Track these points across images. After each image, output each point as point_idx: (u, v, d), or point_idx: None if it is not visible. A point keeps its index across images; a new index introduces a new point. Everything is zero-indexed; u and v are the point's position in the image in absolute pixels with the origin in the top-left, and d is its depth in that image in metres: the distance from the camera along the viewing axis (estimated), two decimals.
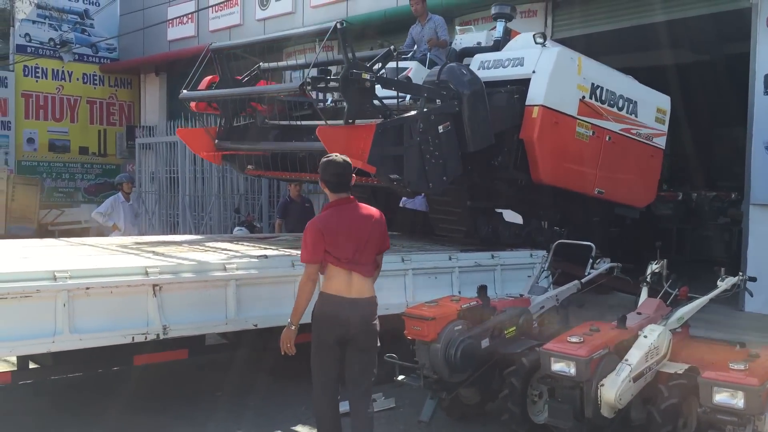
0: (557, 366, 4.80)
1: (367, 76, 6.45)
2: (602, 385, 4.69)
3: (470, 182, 7.85)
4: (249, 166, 8.23)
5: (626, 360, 4.77)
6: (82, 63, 19.18)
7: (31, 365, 5.62)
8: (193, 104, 8.16)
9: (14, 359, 5.68)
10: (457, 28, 9.13)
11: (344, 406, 6.01)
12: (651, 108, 8.78)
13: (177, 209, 14.94)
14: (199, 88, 7.90)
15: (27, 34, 18.40)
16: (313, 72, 6.64)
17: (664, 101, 9.04)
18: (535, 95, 7.62)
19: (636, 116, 8.56)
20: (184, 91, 7.96)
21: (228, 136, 8.05)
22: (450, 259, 7.31)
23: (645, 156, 8.85)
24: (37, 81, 18.37)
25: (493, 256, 7.66)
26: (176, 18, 17.63)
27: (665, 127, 9.02)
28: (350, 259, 4.52)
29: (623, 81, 8.62)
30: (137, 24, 18.56)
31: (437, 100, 7.11)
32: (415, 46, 8.77)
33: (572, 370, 4.72)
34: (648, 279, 5.94)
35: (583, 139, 8.02)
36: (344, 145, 6.17)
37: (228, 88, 7.72)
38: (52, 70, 18.66)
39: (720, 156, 17.68)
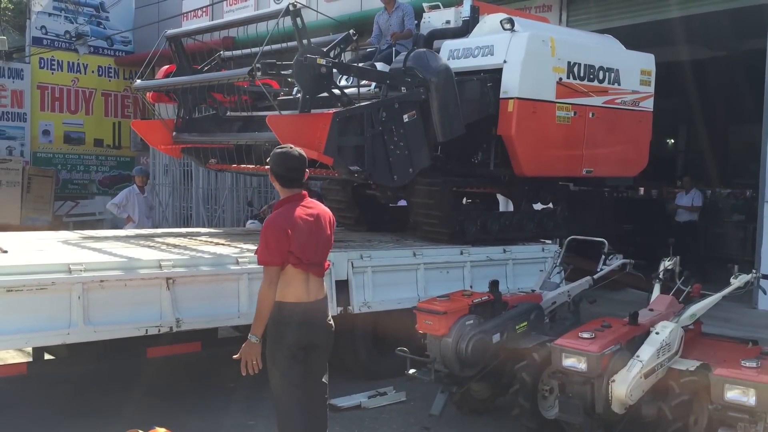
0: (568, 361, 4.81)
1: (322, 61, 6.14)
2: (613, 380, 4.69)
3: (452, 183, 7.60)
4: (212, 160, 7.83)
5: (637, 356, 4.77)
6: (97, 56, 19.28)
7: (47, 357, 5.69)
8: (149, 95, 7.83)
9: (30, 350, 5.75)
10: (425, 5, 8.65)
11: (344, 401, 6.09)
12: (634, 72, 8.34)
13: (190, 202, 15.02)
14: (156, 78, 7.64)
15: (43, 27, 18.51)
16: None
17: (647, 61, 8.56)
18: (509, 87, 7.26)
19: (619, 84, 8.15)
20: (138, 81, 7.69)
21: (187, 129, 7.67)
22: (462, 253, 7.32)
23: (633, 123, 8.44)
24: (52, 73, 18.48)
25: (504, 251, 7.66)
26: (191, 11, 17.69)
27: (651, 88, 8.55)
28: (312, 261, 4.20)
29: (602, 50, 8.22)
30: (152, 17, 18.61)
31: (402, 88, 6.79)
32: (383, 37, 8.38)
33: (583, 366, 4.72)
34: (660, 276, 5.92)
35: (565, 122, 7.67)
36: (298, 134, 5.93)
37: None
38: (68, 62, 18.76)
39: (735, 152, 17.57)
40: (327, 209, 4.46)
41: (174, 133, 7.71)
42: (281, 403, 4.28)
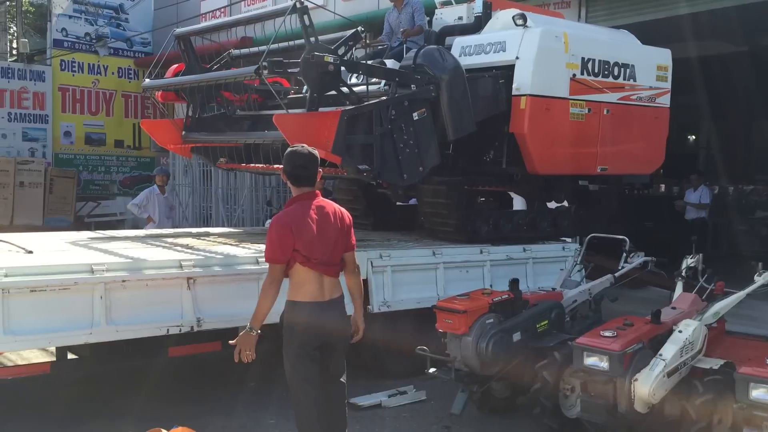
0: (590, 360, 4.78)
1: (330, 58, 6.05)
2: (636, 380, 4.65)
3: (463, 182, 7.52)
4: (222, 159, 7.79)
5: (660, 355, 4.72)
6: (117, 57, 19.41)
7: (70, 356, 5.74)
8: (158, 94, 7.78)
9: (53, 350, 5.81)
10: (437, 1, 8.51)
11: (363, 400, 6.08)
12: (650, 67, 8.19)
13: (210, 202, 15.10)
14: (165, 78, 7.60)
15: (64, 29, 18.67)
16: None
17: (664, 56, 8.41)
18: (522, 84, 7.15)
19: (634, 80, 8.02)
20: (147, 80, 7.66)
21: (197, 128, 7.63)
22: (481, 252, 7.30)
23: (649, 119, 8.30)
24: (73, 75, 18.63)
25: (524, 250, 7.63)
26: (209, 12, 17.76)
27: (668, 84, 8.40)
28: (320, 260, 4.20)
29: (617, 45, 8.12)
30: (171, 18, 18.70)
31: (412, 86, 6.72)
32: (394, 35, 8.26)
33: (605, 365, 4.69)
34: (683, 273, 5.87)
35: (579, 120, 7.54)
36: (306, 133, 5.86)
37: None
38: (88, 64, 18.91)
39: (758, 149, 17.36)
40: (341, 208, 4.44)
41: (183, 133, 7.68)
42: (298, 402, 4.30)
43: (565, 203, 8.51)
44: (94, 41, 18.89)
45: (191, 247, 6.49)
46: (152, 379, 6.08)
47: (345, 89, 6.40)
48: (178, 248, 6.40)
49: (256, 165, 7.36)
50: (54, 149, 18.18)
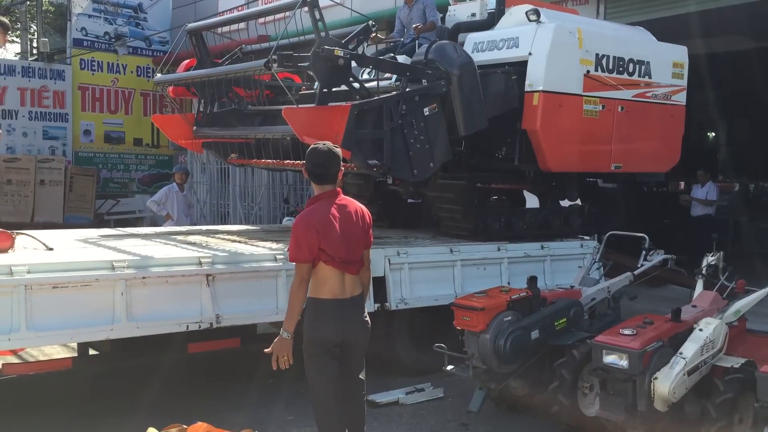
0: (609, 358, 4.75)
1: (340, 52, 6.00)
2: (656, 378, 4.62)
3: (475, 179, 7.47)
4: (232, 155, 7.78)
5: (681, 353, 4.69)
6: (135, 56, 19.53)
7: (91, 352, 5.80)
8: (170, 89, 7.76)
9: (75, 346, 5.87)
10: None
11: (382, 397, 6.08)
12: (666, 64, 8.10)
13: (227, 199, 15.18)
14: (177, 73, 7.58)
15: (83, 28, 18.82)
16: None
17: (680, 53, 8.30)
18: (534, 80, 7.08)
19: (650, 77, 7.91)
20: (159, 74, 7.64)
21: (208, 123, 7.59)
22: (499, 249, 7.29)
23: (664, 117, 8.18)
24: (93, 74, 18.78)
25: (542, 247, 7.60)
26: (227, 10, 17.83)
27: (684, 81, 8.29)
28: (343, 258, 4.20)
29: (632, 41, 7.99)
30: (189, 17, 18.76)
31: (423, 81, 6.65)
32: (405, 31, 8.22)
33: (625, 363, 4.66)
34: (704, 271, 5.82)
35: (593, 116, 7.46)
36: (315, 127, 5.86)
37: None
38: (108, 63, 19.05)
39: None
40: (361, 206, 4.44)
41: (194, 128, 7.66)
42: (318, 398, 4.32)
43: (578, 201, 8.44)
44: (113, 40, 19.02)
45: (210, 245, 6.53)
46: (171, 374, 6.13)
47: (355, 84, 6.34)
48: (197, 245, 6.45)
49: (267, 161, 7.36)
50: (74, 147, 18.35)
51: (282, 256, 5.89)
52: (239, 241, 6.86)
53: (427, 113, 6.58)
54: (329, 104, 6.27)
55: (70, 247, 6.11)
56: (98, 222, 15.83)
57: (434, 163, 6.70)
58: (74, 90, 18.46)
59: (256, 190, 14.55)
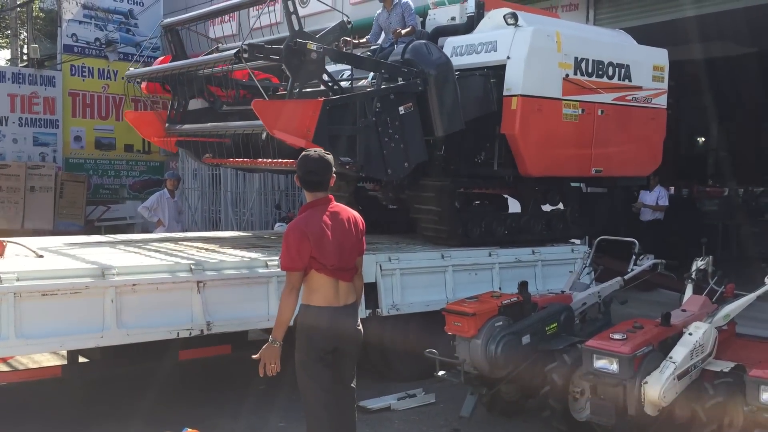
0: (600, 363, 4.77)
1: (313, 46, 5.90)
2: (646, 382, 4.64)
3: (454, 183, 7.35)
4: (207, 155, 7.61)
5: (670, 357, 4.71)
6: (126, 62, 19.43)
7: (81, 359, 5.77)
8: (144, 85, 7.60)
9: (64, 353, 5.84)
10: (430, 2, 8.40)
11: (372, 403, 6.06)
12: (646, 67, 8.06)
13: (219, 205, 15.16)
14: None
15: (74, 35, 18.76)
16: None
17: (660, 56, 8.27)
18: (513, 84, 7.03)
19: (629, 80, 7.87)
20: (131, 68, 7.52)
21: (181, 121, 7.44)
22: (490, 255, 7.30)
23: (645, 121, 8.14)
24: (83, 80, 18.72)
25: (533, 252, 7.63)
26: (218, 17, 17.79)
27: (665, 85, 8.26)
28: (336, 266, 4.17)
29: (611, 45, 7.98)
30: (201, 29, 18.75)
31: (399, 79, 6.58)
32: (383, 35, 8.10)
33: (615, 367, 4.68)
34: (693, 276, 5.85)
35: (572, 120, 7.39)
36: (286, 121, 5.77)
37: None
38: (98, 69, 18.97)
39: None
40: (355, 213, 4.41)
41: (167, 125, 7.53)
42: (309, 406, 4.29)
43: (560, 206, 8.39)
44: (104, 46, 18.97)
45: (201, 251, 6.52)
46: (161, 381, 6.11)
47: (329, 80, 6.22)
48: (188, 252, 6.44)
49: (243, 160, 7.23)
50: (64, 154, 18.26)
51: (273, 263, 5.88)
52: (230, 248, 6.85)
53: (403, 112, 6.52)
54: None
55: (59, 254, 6.08)
56: (89, 228, 15.76)
57: (409, 163, 6.64)
58: (65, 96, 18.38)
59: (248, 195, 14.54)
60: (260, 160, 6.95)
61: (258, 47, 5.92)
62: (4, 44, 21.64)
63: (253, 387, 6.44)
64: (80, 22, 18.86)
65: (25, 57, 20.31)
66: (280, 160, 6.77)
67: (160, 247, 6.78)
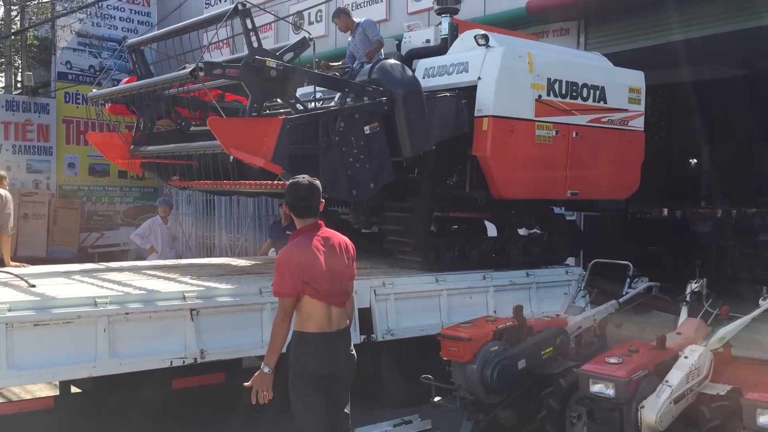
0: (596, 387, 4.74)
1: (272, 63, 5.80)
2: (642, 406, 4.61)
3: (426, 206, 7.23)
4: (174, 177, 7.46)
5: (667, 381, 4.69)
6: None
7: (73, 389, 5.71)
8: (108, 107, 7.48)
9: (57, 384, 5.78)
10: (405, 25, 8.41)
11: (368, 430, 6.02)
12: (622, 89, 7.95)
13: (213, 231, 15.12)
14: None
15: (68, 62, 18.84)
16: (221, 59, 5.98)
17: (636, 79, 8.17)
18: (484, 105, 6.91)
19: (605, 102, 7.75)
20: (94, 90, 7.40)
21: (146, 143, 7.32)
22: (484, 278, 7.29)
23: (622, 143, 8.04)
24: (77, 107, 18.76)
25: (528, 275, 7.61)
26: (212, 44, 17.87)
27: (641, 107, 8.15)
28: (328, 291, 4.18)
29: (585, 66, 7.87)
30: (172, 50, 18.83)
31: (365, 98, 6.48)
32: (356, 61, 8.05)
33: (611, 392, 4.66)
34: (687, 298, 5.84)
35: (546, 142, 7.28)
36: (244, 140, 5.66)
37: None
38: None
39: (761, 171, 17.37)
40: (345, 238, 4.42)
41: (132, 147, 7.40)
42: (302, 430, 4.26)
43: (537, 230, 8.26)
44: (98, 73, 19.04)
45: (194, 278, 6.49)
46: (156, 411, 6.05)
47: (290, 99, 6.14)
48: (181, 279, 6.41)
49: (207, 182, 7.11)
50: (58, 181, 18.25)
51: (267, 290, 5.85)
52: (224, 274, 6.82)
53: (368, 132, 6.39)
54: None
55: (52, 283, 6.05)
56: (82, 256, 15.71)
57: (375, 184, 6.49)
58: (59, 123, 18.41)
59: (242, 221, 14.52)
60: (227, 182, 6.82)
61: (214, 64, 5.83)
62: None
63: (248, 415, 6.39)
64: (74, 50, 18.96)
65: (19, 84, 20.35)
66: (247, 181, 6.63)
67: (153, 274, 6.75)
